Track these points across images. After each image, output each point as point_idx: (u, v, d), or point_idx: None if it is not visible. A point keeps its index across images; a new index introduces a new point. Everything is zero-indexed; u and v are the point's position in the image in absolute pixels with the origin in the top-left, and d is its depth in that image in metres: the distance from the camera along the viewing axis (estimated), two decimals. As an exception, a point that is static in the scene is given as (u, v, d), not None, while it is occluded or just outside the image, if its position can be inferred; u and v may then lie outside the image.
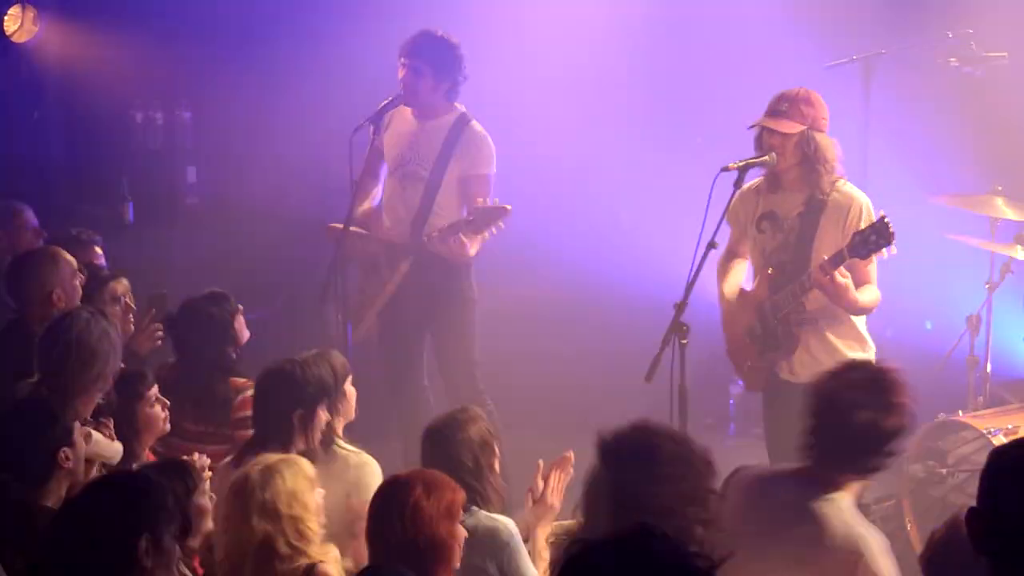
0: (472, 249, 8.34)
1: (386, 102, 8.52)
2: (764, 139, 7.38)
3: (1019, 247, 8.76)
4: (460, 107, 8.62)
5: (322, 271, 8.31)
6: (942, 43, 9.88)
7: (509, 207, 8.21)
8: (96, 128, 10.87)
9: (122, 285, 7.65)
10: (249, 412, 6.85)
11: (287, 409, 6.40)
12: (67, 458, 5.74)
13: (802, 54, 9.43)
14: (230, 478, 5.87)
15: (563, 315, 10.15)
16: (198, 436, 7.16)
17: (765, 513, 5.51)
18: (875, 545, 5.44)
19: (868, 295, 7.33)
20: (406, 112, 8.64)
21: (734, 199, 7.40)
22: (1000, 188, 8.93)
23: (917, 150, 9.64)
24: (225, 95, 10.64)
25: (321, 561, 5.46)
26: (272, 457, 5.74)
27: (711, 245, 6.95)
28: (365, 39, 9.73)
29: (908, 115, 9.94)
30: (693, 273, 6.93)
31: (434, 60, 8.50)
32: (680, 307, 6.84)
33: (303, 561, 5.49)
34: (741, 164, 7.22)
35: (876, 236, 6.98)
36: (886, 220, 6.99)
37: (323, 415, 6.48)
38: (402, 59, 8.53)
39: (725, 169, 7.17)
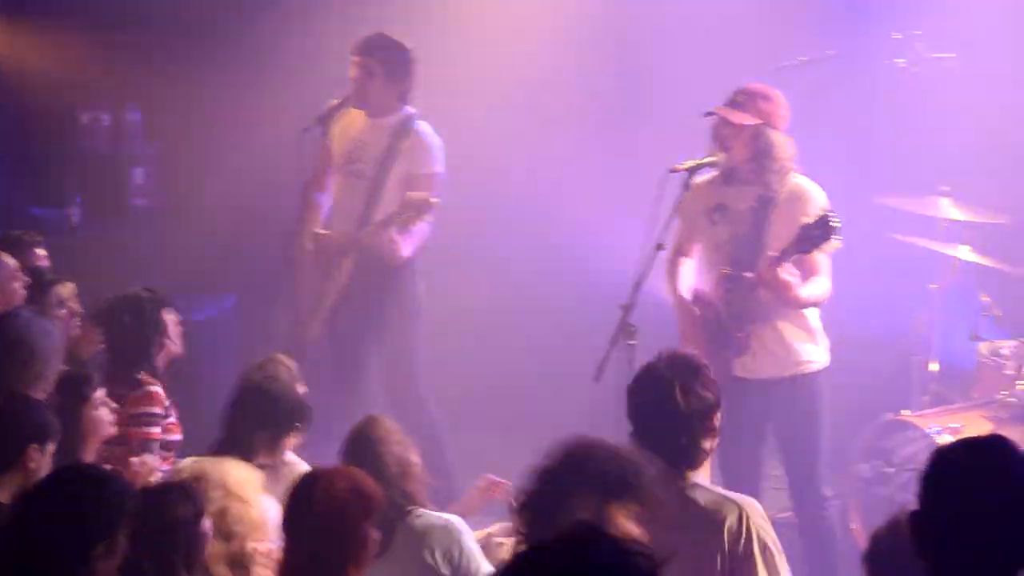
0: (405, 249, 8.34)
1: (336, 102, 8.54)
2: (717, 129, 7.40)
3: (964, 248, 8.80)
4: (409, 108, 8.61)
5: (272, 271, 8.28)
6: (889, 44, 9.93)
7: (434, 200, 8.23)
8: (41, 130, 10.80)
9: (67, 289, 7.58)
10: (148, 409, 6.94)
11: (252, 430, 6.34)
12: (32, 458, 5.69)
13: (751, 56, 9.44)
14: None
15: (512, 316, 10.14)
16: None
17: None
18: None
19: (815, 288, 7.36)
20: (355, 112, 8.64)
21: (687, 192, 7.38)
22: (946, 189, 8.97)
23: (864, 150, 9.66)
24: (173, 95, 10.59)
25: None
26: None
27: (659, 247, 6.98)
28: (316, 38, 9.73)
29: (856, 115, 9.97)
30: (641, 274, 6.96)
31: (386, 61, 8.51)
32: (627, 308, 6.88)
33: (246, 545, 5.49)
34: (689, 165, 7.26)
35: (819, 231, 7.00)
36: (829, 215, 7.00)
37: (293, 439, 6.46)
38: (354, 57, 8.52)
39: (673, 170, 7.20)
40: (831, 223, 6.96)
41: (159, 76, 10.56)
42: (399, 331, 8.71)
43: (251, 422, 6.34)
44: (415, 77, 8.56)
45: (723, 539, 5.30)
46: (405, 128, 8.55)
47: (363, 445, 6.02)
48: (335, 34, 8.91)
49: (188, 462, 6.03)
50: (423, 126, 8.58)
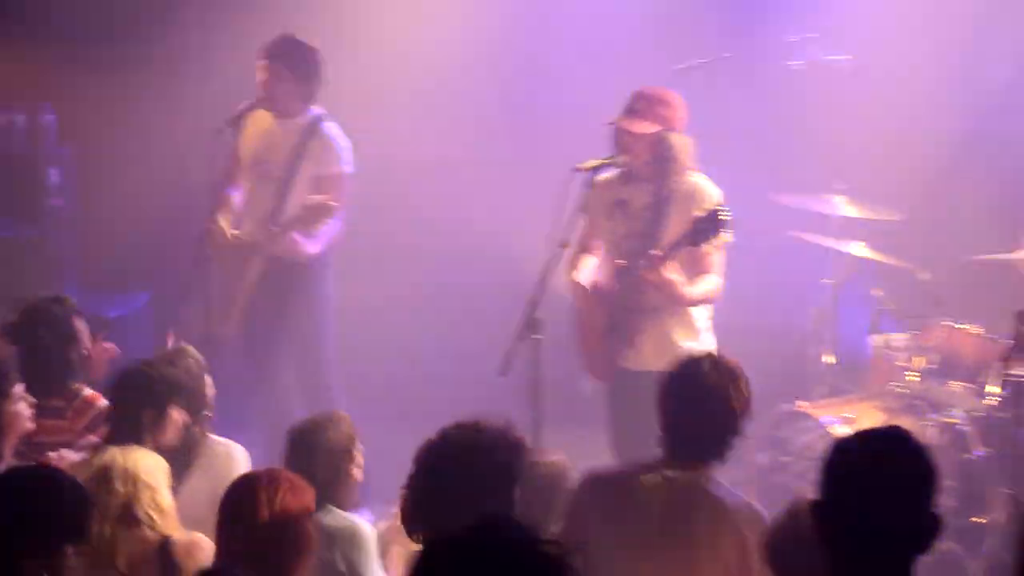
0: (310, 248, 8.39)
1: (244, 105, 8.52)
2: (619, 135, 7.48)
3: (859, 244, 8.94)
4: (317, 109, 8.62)
5: (185, 269, 8.29)
6: (785, 47, 10.06)
7: (334, 203, 8.29)
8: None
9: None
10: (92, 414, 6.90)
11: (137, 408, 6.30)
12: None
13: (651, 57, 9.51)
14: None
15: (421, 311, 10.18)
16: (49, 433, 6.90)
17: (644, 511, 5.43)
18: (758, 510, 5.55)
19: (703, 287, 7.47)
20: (264, 113, 8.61)
21: (591, 189, 7.45)
22: (841, 187, 9.09)
23: (762, 150, 9.76)
24: (88, 97, 10.53)
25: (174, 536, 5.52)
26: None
27: (563, 244, 7.05)
28: (228, 39, 9.69)
29: (753, 116, 10.06)
30: (546, 270, 7.01)
31: (293, 63, 8.51)
32: (533, 303, 6.95)
33: (160, 532, 5.53)
34: (592, 165, 7.31)
35: (709, 225, 7.09)
36: (719, 209, 7.10)
37: (176, 415, 6.40)
38: (262, 61, 8.51)
39: (576, 170, 7.27)
40: (720, 217, 7.05)
41: (74, 78, 10.45)
42: (309, 327, 8.71)
43: (127, 406, 6.29)
44: (322, 78, 8.55)
45: (743, 539, 5.37)
46: (313, 129, 8.54)
47: (307, 438, 6.11)
48: (246, 36, 8.87)
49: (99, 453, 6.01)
50: (331, 127, 8.57)
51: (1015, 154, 9.41)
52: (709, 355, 5.87)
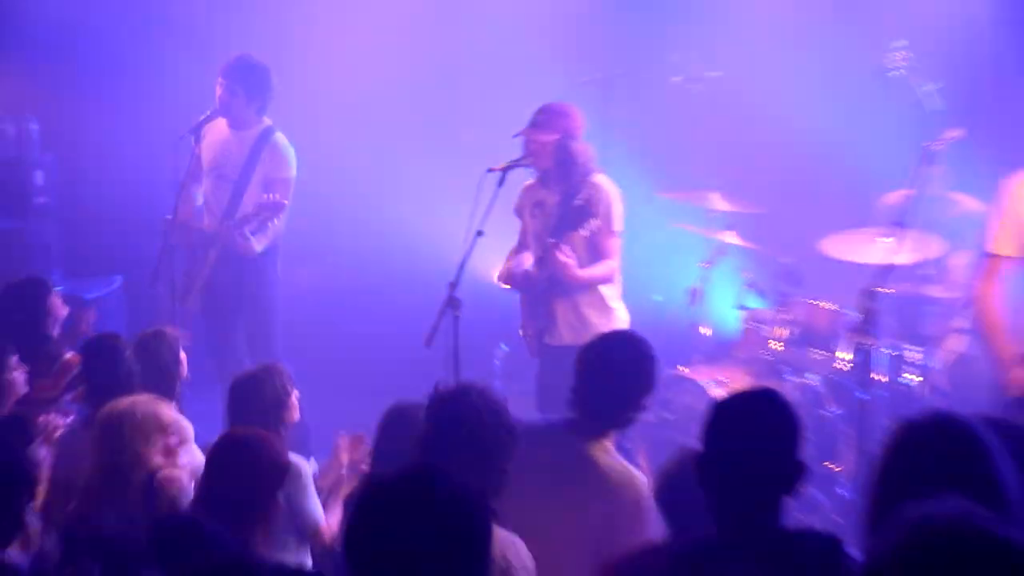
0: (258, 245, 8.32)
1: (204, 116, 8.45)
2: (527, 144, 7.46)
3: (731, 233, 8.95)
4: (267, 121, 8.57)
5: (153, 257, 8.22)
6: (668, 64, 10.07)
7: (284, 202, 8.26)
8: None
9: None
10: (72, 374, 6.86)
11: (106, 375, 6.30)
12: None
13: (556, 71, 9.50)
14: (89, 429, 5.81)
15: (358, 293, 10.14)
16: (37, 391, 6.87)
17: (543, 462, 5.32)
18: (638, 477, 5.43)
19: (598, 269, 7.48)
20: (221, 123, 8.56)
21: (518, 196, 7.57)
22: (715, 185, 9.10)
23: (649, 154, 9.76)
24: (67, 110, 10.49)
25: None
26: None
27: (478, 233, 7.00)
28: (189, 59, 9.59)
29: (643, 125, 10.07)
30: (464, 257, 6.98)
31: (246, 82, 8.46)
32: (453, 285, 6.91)
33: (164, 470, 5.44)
34: (503, 166, 7.28)
35: (579, 214, 7.24)
36: (584, 202, 7.21)
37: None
38: (220, 79, 8.47)
39: (490, 171, 7.24)
40: (588, 207, 7.15)
41: (55, 93, 10.46)
42: (259, 305, 8.65)
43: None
44: (272, 93, 8.51)
45: (613, 507, 5.27)
46: (264, 139, 8.50)
47: (246, 388, 6.09)
48: (205, 56, 8.81)
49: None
50: (279, 137, 8.54)
51: (861, 155, 9.44)
52: (623, 332, 5.85)
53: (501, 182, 7.27)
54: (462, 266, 6.97)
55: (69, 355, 7.02)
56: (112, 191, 10.25)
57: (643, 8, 10.62)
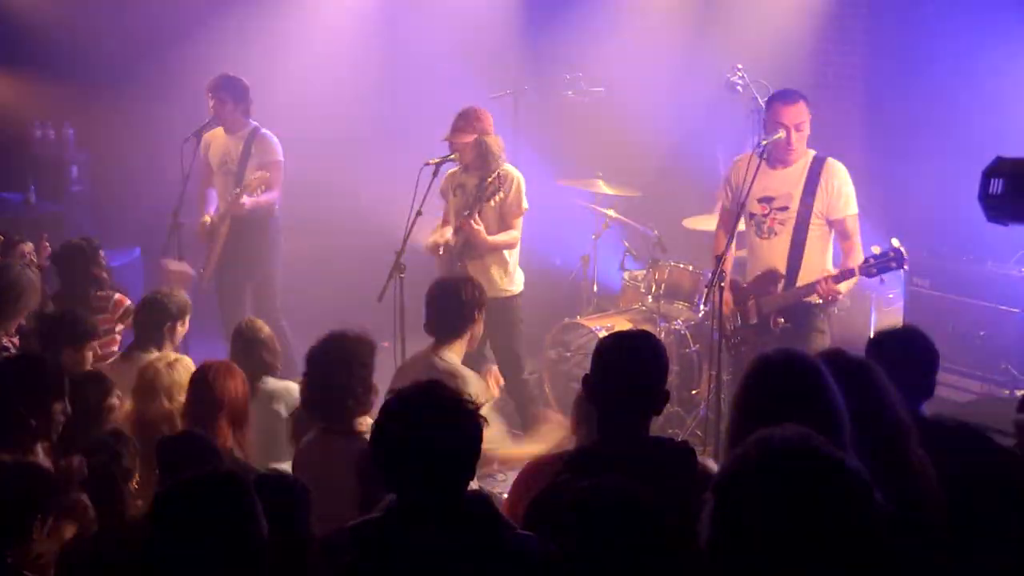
0: (248, 204, 8.21)
1: (203, 124, 8.36)
2: (452, 145, 7.43)
3: (612, 211, 8.97)
4: (253, 122, 8.46)
5: (163, 233, 8.12)
6: (563, 81, 10.07)
7: (266, 175, 8.23)
8: (6, 140, 10.54)
9: (28, 246, 7.26)
10: (122, 310, 6.91)
11: (161, 323, 6.23)
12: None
13: (478, 86, 9.48)
14: (128, 368, 5.79)
15: (327, 260, 10.03)
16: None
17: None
18: (471, 375, 5.75)
19: (502, 236, 7.45)
20: (220, 131, 8.46)
21: (443, 180, 7.48)
22: (600, 174, 9.13)
23: (550, 151, 9.77)
24: (98, 117, 10.38)
25: None
26: (170, 356, 5.63)
27: (418, 213, 7.00)
28: (195, 73, 9.45)
29: (545, 129, 10.07)
30: (407, 231, 6.98)
31: (231, 92, 8.34)
32: (399, 253, 6.91)
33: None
34: (437, 160, 7.28)
35: (490, 188, 7.30)
36: (491, 180, 7.29)
37: (181, 328, 6.36)
38: (209, 95, 8.36)
39: (427, 164, 7.22)
40: (495, 184, 7.26)
41: (88, 104, 10.32)
42: (265, 266, 8.57)
43: (154, 320, 6.25)
44: (250, 98, 8.40)
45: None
46: (253, 136, 8.41)
47: (245, 342, 6.04)
48: (206, 72, 8.69)
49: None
50: (266, 133, 8.44)
51: (712, 150, 9.49)
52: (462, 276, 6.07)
53: (435, 173, 7.28)
54: (405, 239, 6.95)
55: (117, 296, 7.02)
56: (133, 181, 10.17)
57: (544, 38, 10.65)
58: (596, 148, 9.78)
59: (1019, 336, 8.26)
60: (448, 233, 7.60)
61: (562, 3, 10.65)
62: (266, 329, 6.14)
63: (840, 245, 6.79)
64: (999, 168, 4.12)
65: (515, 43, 10.65)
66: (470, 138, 7.37)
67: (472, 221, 7.29)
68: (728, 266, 6.93)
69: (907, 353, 4.29)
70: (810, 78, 9.28)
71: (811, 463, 2.42)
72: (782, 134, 6.64)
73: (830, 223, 6.72)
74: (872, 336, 4.61)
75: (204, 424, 4.92)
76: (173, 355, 5.67)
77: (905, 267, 6.39)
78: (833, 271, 6.57)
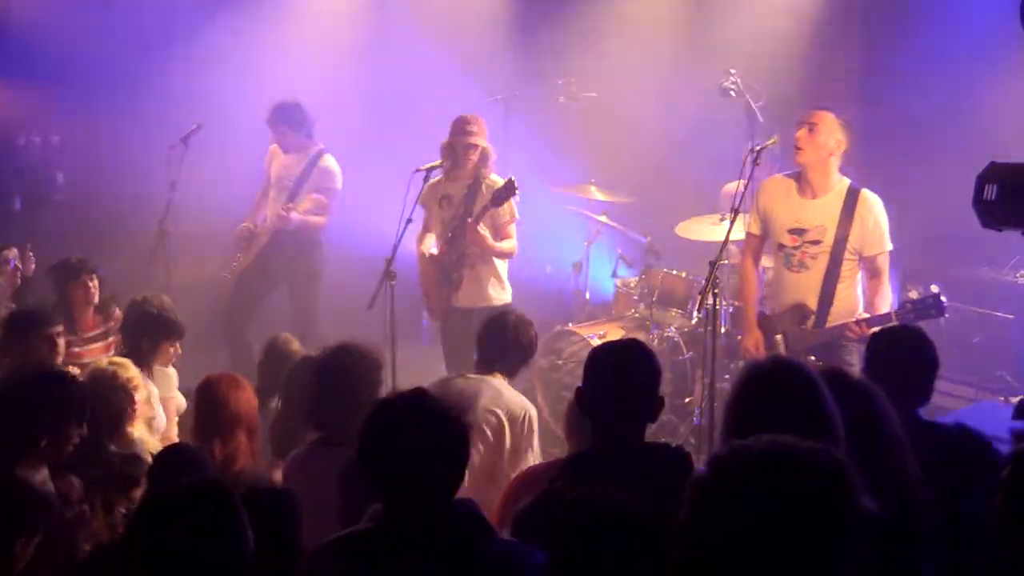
0: (294, 224, 8.37)
1: (190, 131, 8.33)
2: (456, 148, 7.42)
3: (605, 217, 8.99)
4: (319, 145, 8.54)
5: (145, 243, 8.13)
6: (555, 87, 10.09)
7: (323, 200, 8.39)
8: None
9: (12, 252, 7.29)
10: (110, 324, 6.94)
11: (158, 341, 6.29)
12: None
13: (468, 93, 9.50)
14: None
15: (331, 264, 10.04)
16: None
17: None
18: (532, 408, 5.66)
19: (504, 245, 7.46)
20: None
21: (425, 190, 7.45)
22: (593, 180, 9.15)
23: (541, 157, 9.77)
24: (82, 126, 10.36)
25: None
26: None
27: (409, 220, 7.00)
28: (180, 83, 9.49)
29: (536, 134, 10.08)
30: (398, 238, 6.95)
31: (288, 122, 8.43)
32: (389, 260, 6.89)
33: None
34: (426, 167, 7.28)
35: (504, 192, 7.19)
36: (512, 179, 7.19)
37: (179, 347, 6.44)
38: (271, 126, 8.48)
39: (417, 170, 7.22)
40: (514, 184, 7.16)
41: (73, 113, 10.32)
42: (308, 287, 8.64)
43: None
44: (309, 119, 8.47)
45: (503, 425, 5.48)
46: (316, 159, 8.49)
47: (277, 355, 6.14)
48: (193, 81, 8.70)
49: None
50: (329, 158, 8.52)
51: (705, 155, 9.52)
52: (514, 311, 5.94)
53: (426, 180, 7.28)
54: (396, 246, 6.94)
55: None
56: (117, 188, 10.14)
57: (535, 44, 10.65)
58: (588, 154, 9.80)
59: (1015, 343, 8.29)
60: (431, 242, 7.62)
61: (553, 8, 10.67)
62: (296, 344, 6.18)
63: (866, 282, 6.66)
64: (993, 173, 4.14)
65: (506, 48, 10.66)
66: (484, 143, 7.40)
67: (477, 228, 7.29)
68: (754, 298, 6.90)
69: (907, 355, 4.31)
70: (804, 83, 9.33)
71: (788, 471, 2.37)
72: (775, 139, 6.65)
73: (861, 259, 6.62)
74: (873, 335, 4.61)
75: (221, 439, 4.93)
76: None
77: (945, 315, 6.24)
78: (864, 314, 6.46)
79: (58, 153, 10.79)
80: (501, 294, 7.58)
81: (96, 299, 6.96)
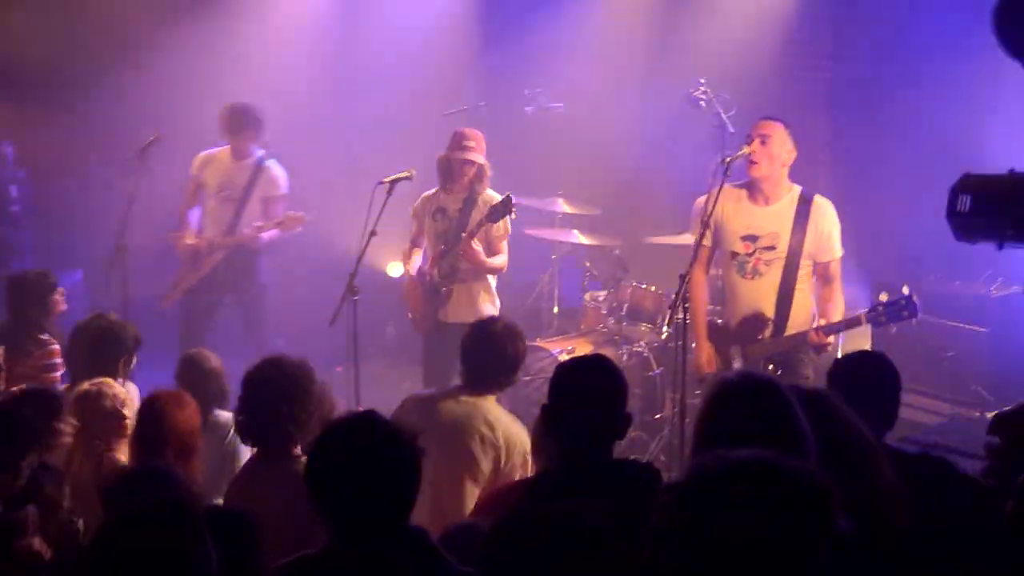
0: (265, 239, 8.35)
1: (148, 141, 8.03)
2: (453, 164, 7.43)
3: (574, 231, 8.97)
4: (259, 151, 8.46)
5: (108, 254, 8.01)
6: (522, 97, 10.08)
7: (301, 216, 8.27)
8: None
9: None
10: (51, 360, 6.71)
11: (117, 357, 6.09)
12: None
13: (430, 103, 9.47)
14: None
15: (278, 283, 9.97)
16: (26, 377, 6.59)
17: (438, 425, 5.25)
18: (525, 433, 5.35)
19: (496, 260, 7.46)
20: (223, 151, 8.46)
21: (418, 203, 7.50)
22: (560, 192, 9.13)
23: (507, 169, 9.72)
24: (36, 135, 10.25)
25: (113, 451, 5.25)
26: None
27: (372, 233, 6.89)
28: (137, 88, 9.41)
29: (502, 146, 10.02)
30: (361, 252, 6.84)
31: (256, 126, 8.37)
32: (352, 275, 6.80)
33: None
34: (390, 180, 7.16)
35: (501, 208, 7.17)
36: (510, 196, 7.18)
37: (134, 361, 6.23)
38: (235, 132, 8.38)
39: (380, 183, 7.13)
40: (511, 202, 7.13)
41: (25, 119, 10.21)
42: (256, 293, 8.59)
43: (108, 355, 6.10)
44: (261, 124, 8.38)
45: (500, 452, 5.28)
46: (260, 166, 8.40)
47: (195, 372, 6.00)
48: (152, 85, 8.62)
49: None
50: (272, 164, 8.44)
51: (675, 166, 9.51)
52: (502, 319, 5.79)
53: (390, 193, 7.20)
54: (359, 260, 6.86)
55: (53, 347, 6.84)
56: (72, 200, 10.07)
57: (502, 53, 10.64)
58: (555, 165, 9.79)
59: (989, 356, 8.30)
60: (416, 261, 7.59)
61: (519, 17, 10.66)
62: (215, 359, 6.07)
63: (819, 289, 6.64)
64: (966, 185, 4.11)
65: (471, 58, 10.66)
66: (482, 159, 7.39)
67: (472, 243, 7.26)
68: (704, 311, 6.85)
69: (867, 382, 4.28)
70: (774, 94, 9.33)
71: (770, 482, 2.35)
72: (746, 149, 6.61)
73: (815, 265, 6.60)
74: (834, 362, 4.60)
75: (152, 456, 4.83)
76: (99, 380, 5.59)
77: (918, 316, 6.17)
78: (822, 320, 6.43)
79: (11, 164, 10.68)
80: (492, 309, 7.57)
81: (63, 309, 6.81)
